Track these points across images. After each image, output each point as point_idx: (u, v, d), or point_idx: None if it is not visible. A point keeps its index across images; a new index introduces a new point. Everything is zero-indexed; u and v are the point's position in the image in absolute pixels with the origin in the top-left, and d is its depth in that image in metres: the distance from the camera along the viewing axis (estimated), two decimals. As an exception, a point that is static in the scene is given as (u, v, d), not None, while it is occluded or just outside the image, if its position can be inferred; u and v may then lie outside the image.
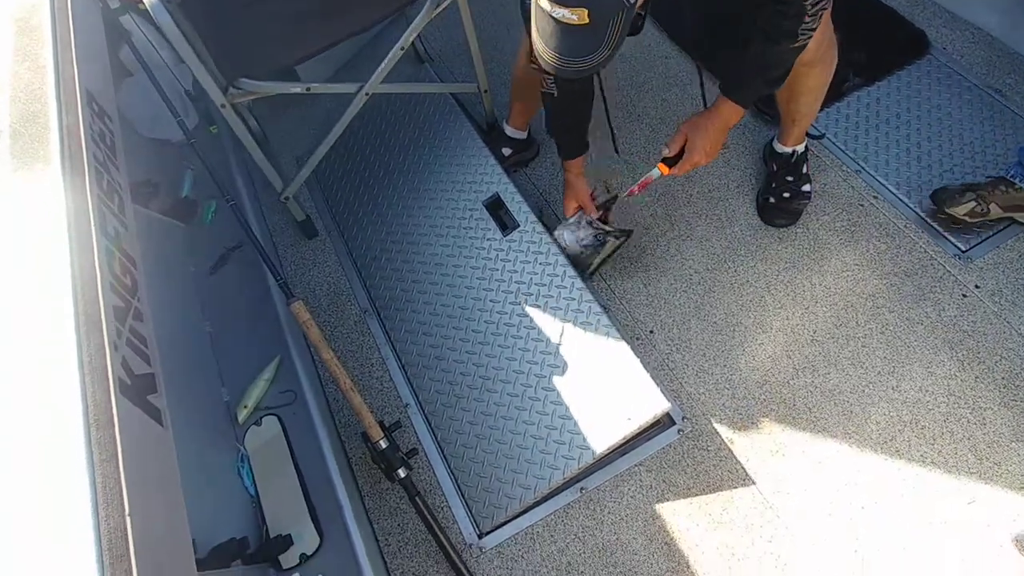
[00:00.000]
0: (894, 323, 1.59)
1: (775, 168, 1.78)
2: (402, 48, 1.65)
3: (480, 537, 1.49)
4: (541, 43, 1.03)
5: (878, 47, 2.02)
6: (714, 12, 1.52)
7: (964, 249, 1.64)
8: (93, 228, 0.86)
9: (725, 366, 1.61)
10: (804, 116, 1.63)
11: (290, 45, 1.63)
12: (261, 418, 1.54)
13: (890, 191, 1.77)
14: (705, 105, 1.48)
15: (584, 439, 1.49)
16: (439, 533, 1.41)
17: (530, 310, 1.68)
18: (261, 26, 1.65)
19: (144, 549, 0.64)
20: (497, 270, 1.76)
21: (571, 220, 1.73)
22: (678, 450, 1.52)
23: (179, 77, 1.99)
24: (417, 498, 1.41)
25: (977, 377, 1.49)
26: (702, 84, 1.59)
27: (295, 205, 1.91)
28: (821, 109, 1.91)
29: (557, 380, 1.57)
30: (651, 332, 1.69)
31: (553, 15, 0.95)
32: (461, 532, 1.50)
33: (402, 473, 1.41)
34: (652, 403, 1.48)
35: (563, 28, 0.97)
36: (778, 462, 1.47)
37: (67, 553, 0.61)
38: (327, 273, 1.94)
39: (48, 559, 0.61)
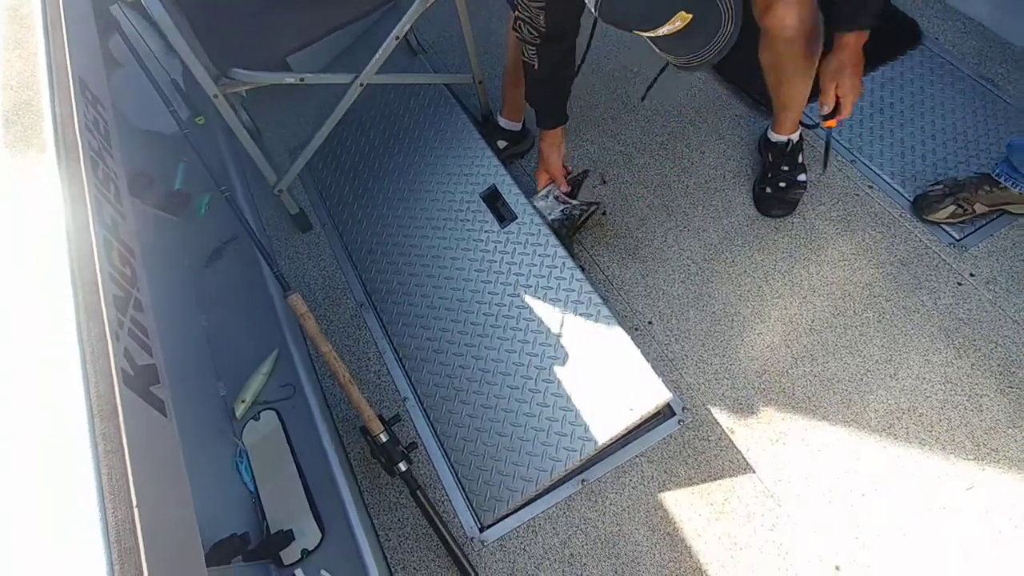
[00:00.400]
0: (891, 312, 1.60)
1: (771, 158, 1.79)
2: (397, 38, 1.63)
3: (482, 530, 1.48)
4: (668, 56, 1.02)
5: (871, 38, 2.02)
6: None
7: (958, 238, 1.66)
8: (90, 217, 0.84)
9: (724, 356, 1.61)
10: (794, 100, 1.63)
11: (283, 35, 1.61)
12: (259, 412, 1.52)
13: (884, 181, 1.78)
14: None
15: (585, 430, 1.49)
16: (440, 527, 1.40)
17: (529, 302, 1.67)
18: (253, 16, 1.62)
19: (153, 542, 0.63)
20: (495, 262, 1.75)
21: (540, 193, 1.77)
22: (679, 440, 1.52)
23: (168, 68, 1.95)
24: (418, 492, 1.40)
25: (973, 364, 1.50)
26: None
27: (289, 198, 1.89)
28: (814, 99, 1.92)
29: (557, 372, 1.57)
30: (650, 323, 1.69)
31: (659, 34, 0.94)
32: (462, 526, 1.49)
33: (403, 467, 1.40)
34: (653, 393, 1.48)
35: (675, 37, 0.95)
36: (778, 451, 1.47)
37: (75, 547, 0.60)
38: (322, 267, 1.92)
39: (55, 553, 0.60)
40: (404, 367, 1.70)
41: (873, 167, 1.80)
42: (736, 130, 1.95)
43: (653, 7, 0.92)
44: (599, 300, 1.61)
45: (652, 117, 2.02)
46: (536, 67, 1.51)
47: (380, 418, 1.40)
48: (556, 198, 1.74)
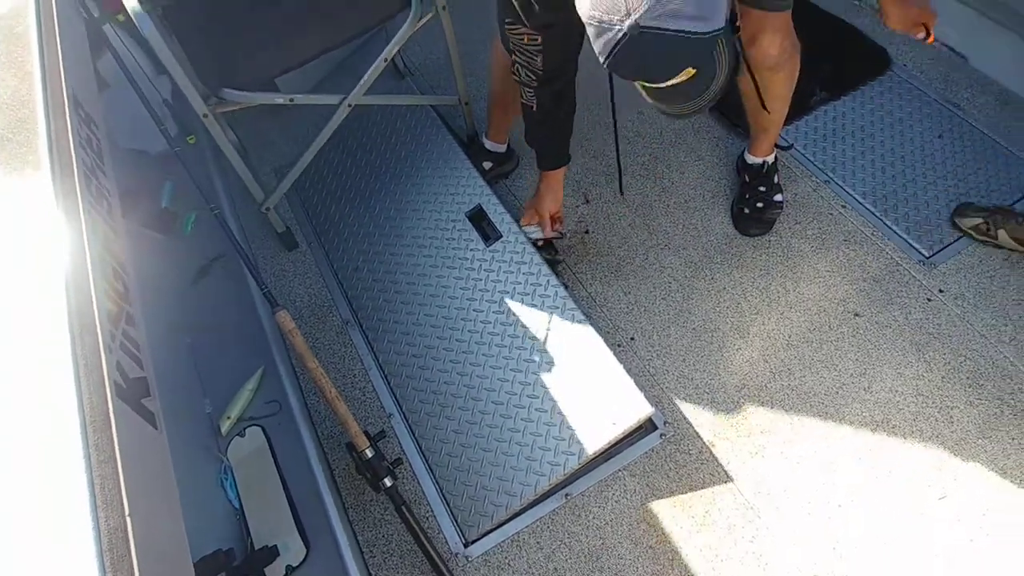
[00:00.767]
0: (864, 327, 1.65)
1: (747, 179, 1.84)
2: (384, 60, 1.67)
3: (466, 546, 1.49)
4: (660, 105, 1.02)
5: (843, 64, 2.11)
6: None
7: (928, 255, 1.72)
8: (85, 233, 0.86)
9: (704, 371, 1.65)
10: (773, 125, 1.69)
11: (273, 56, 1.64)
12: (245, 429, 1.53)
13: (857, 200, 1.84)
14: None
15: (569, 445, 1.51)
16: (425, 543, 1.40)
17: (513, 319, 1.70)
18: (243, 37, 1.66)
19: (145, 550, 0.64)
20: (480, 280, 1.78)
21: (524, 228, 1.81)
22: (661, 454, 1.55)
23: (158, 88, 1.98)
24: (403, 507, 1.40)
25: (943, 377, 1.55)
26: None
27: (275, 216, 1.91)
28: (790, 122, 2.00)
29: (541, 387, 1.59)
30: (632, 339, 1.72)
31: (662, 87, 0.93)
32: (447, 541, 1.50)
33: (388, 482, 1.40)
34: (635, 408, 1.51)
35: (670, 91, 0.95)
36: (758, 463, 1.50)
37: (68, 554, 0.61)
38: (307, 285, 1.93)
39: (49, 560, 0.61)
40: (389, 383, 1.71)
41: (846, 187, 1.87)
42: (714, 152, 2.01)
43: (664, 64, 0.92)
44: (582, 317, 1.65)
45: (633, 139, 2.07)
46: (535, 108, 1.52)
47: (366, 434, 1.41)
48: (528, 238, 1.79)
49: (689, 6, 0.86)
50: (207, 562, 1.21)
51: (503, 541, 1.49)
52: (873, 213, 1.81)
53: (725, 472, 1.50)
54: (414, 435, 1.63)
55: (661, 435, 1.57)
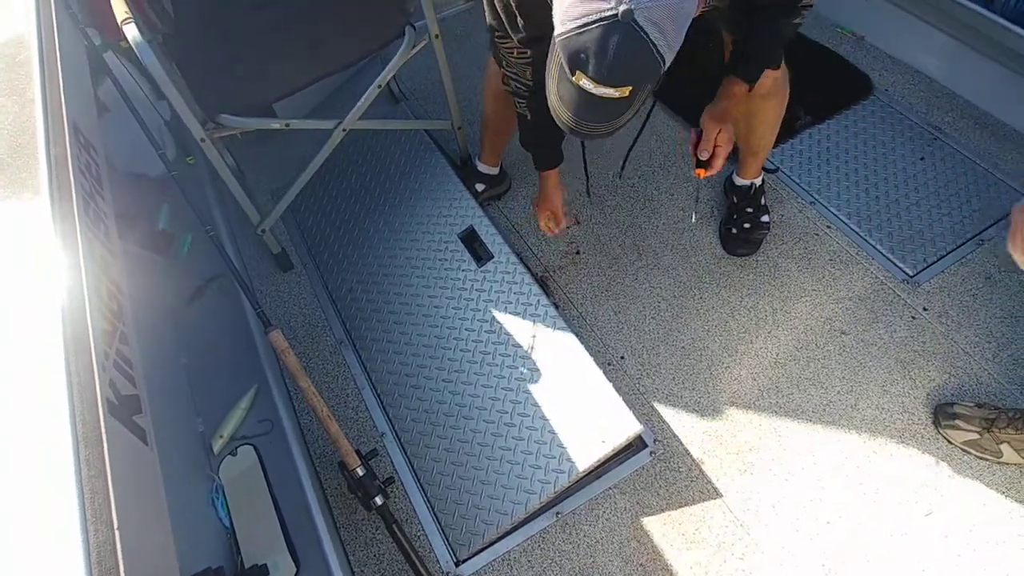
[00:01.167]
0: (850, 345, 1.67)
1: (735, 200, 1.88)
2: (379, 86, 1.71)
3: (457, 565, 1.49)
4: (565, 110, 0.99)
5: (827, 89, 2.16)
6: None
7: (912, 274, 1.75)
8: (81, 255, 0.88)
9: (694, 389, 1.66)
10: (762, 149, 1.73)
11: (270, 83, 1.68)
12: (237, 448, 1.54)
13: (842, 221, 1.87)
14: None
15: (559, 463, 1.52)
16: (416, 562, 1.41)
17: (505, 338, 1.72)
18: (241, 65, 1.70)
19: (132, 563, 0.66)
20: (472, 300, 1.80)
21: None
22: (650, 472, 1.56)
23: (159, 110, 2.02)
24: (394, 526, 1.41)
25: (929, 394, 1.57)
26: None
27: (271, 238, 1.94)
28: (776, 145, 2.04)
29: (532, 406, 1.61)
30: (622, 358, 1.74)
31: (594, 92, 0.91)
32: (438, 560, 1.50)
33: (379, 501, 1.41)
34: (625, 426, 1.53)
35: (598, 101, 0.93)
36: (747, 480, 1.51)
37: (57, 567, 0.62)
38: (302, 305, 1.96)
39: (38, 573, 0.62)
40: (382, 403, 1.73)
41: (831, 208, 1.90)
42: (702, 173, 2.05)
43: (623, 65, 0.88)
44: (573, 336, 1.67)
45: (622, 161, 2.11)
46: (529, 117, 1.53)
47: (357, 453, 1.42)
48: None
49: (669, 34, 0.89)
50: (197, 581, 1.21)
51: (494, 560, 1.49)
52: (857, 233, 1.84)
53: (715, 489, 1.51)
54: (406, 454, 1.64)
55: (651, 453, 1.58)
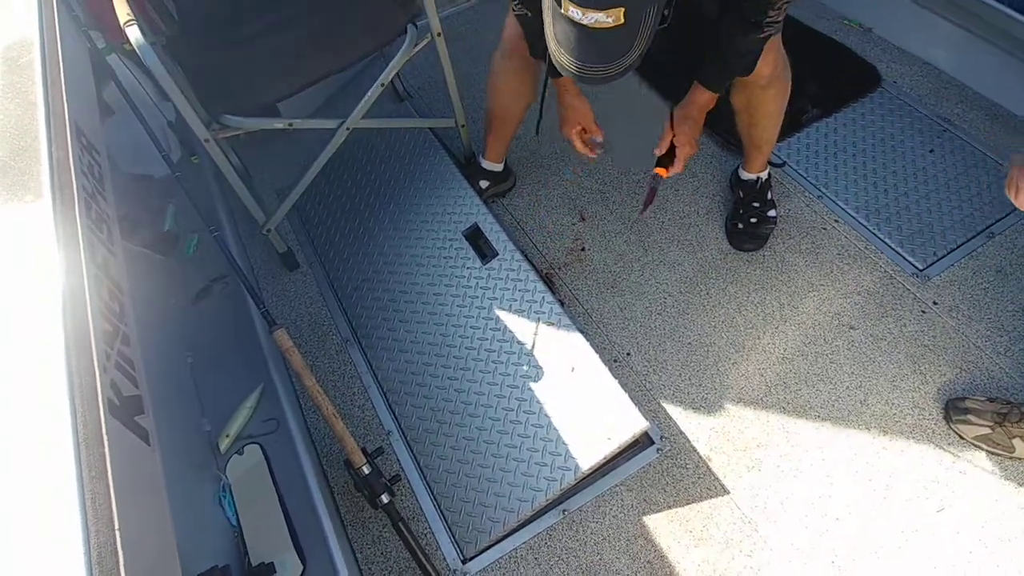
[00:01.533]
0: (859, 340, 1.65)
1: (741, 195, 1.86)
2: (382, 84, 1.71)
3: (464, 562, 1.49)
4: (563, 53, 0.94)
5: (834, 81, 2.14)
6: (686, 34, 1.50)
7: (921, 268, 1.73)
8: (83, 257, 0.89)
9: (700, 385, 1.65)
10: (766, 142, 1.72)
11: (272, 83, 1.68)
12: (243, 447, 1.54)
13: (850, 215, 1.85)
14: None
15: (565, 460, 1.52)
16: (423, 560, 1.41)
17: (510, 336, 1.71)
18: (244, 64, 1.70)
19: (133, 564, 0.66)
20: (477, 298, 1.80)
21: None
22: (657, 469, 1.55)
23: (163, 112, 2.03)
24: (400, 524, 1.41)
25: (939, 389, 1.55)
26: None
27: (277, 237, 1.94)
28: (783, 139, 2.03)
29: (537, 403, 1.60)
30: (628, 354, 1.73)
31: (583, 22, 0.85)
32: (445, 558, 1.50)
33: (385, 499, 1.41)
34: (631, 423, 1.52)
35: (593, 33, 0.87)
36: (754, 477, 1.50)
37: (58, 569, 0.63)
38: (308, 304, 1.96)
39: (39, 574, 0.62)
40: (388, 401, 1.73)
41: (839, 202, 1.88)
42: (708, 168, 2.04)
43: None
44: (578, 333, 1.66)
45: (628, 156, 2.10)
46: (529, 15, 1.44)
47: (363, 451, 1.42)
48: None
49: None
50: (204, 579, 1.22)
51: (501, 557, 1.49)
52: (866, 227, 1.82)
53: (722, 486, 1.50)
54: (412, 452, 1.64)
55: (658, 450, 1.57)
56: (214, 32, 1.74)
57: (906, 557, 1.36)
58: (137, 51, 1.39)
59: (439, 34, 1.72)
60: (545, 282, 1.79)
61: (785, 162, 1.98)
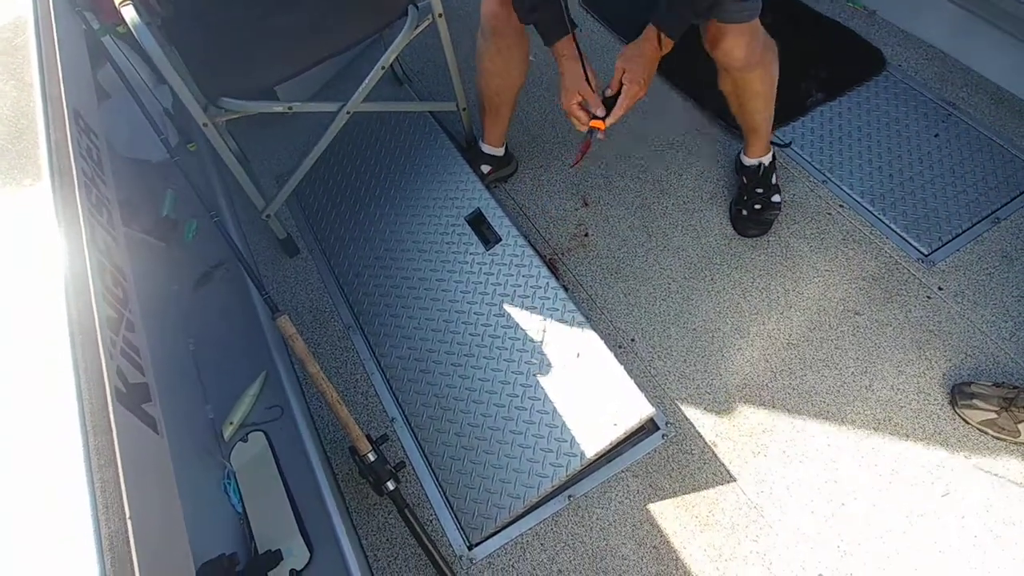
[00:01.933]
0: (864, 325, 1.65)
1: (745, 181, 1.85)
2: (383, 67, 1.68)
3: (470, 548, 1.49)
4: None
5: (838, 65, 2.12)
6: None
7: (926, 253, 1.72)
8: (84, 241, 0.87)
9: (705, 371, 1.65)
10: (760, 124, 1.70)
11: (272, 65, 1.65)
12: (247, 434, 1.53)
13: (855, 200, 1.84)
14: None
15: (571, 446, 1.51)
16: (429, 546, 1.40)
17: (514, 322, 1.70)
18: (242, 47, 1.67)
19: (145, 551, 0.65)
20: (480, 283, 1.78)
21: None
22: (663, 454, 1.55)
23: (159, 97, 1.99)
24: (406, 510, 1.41)
25: (944, 374, 1.55)
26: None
27: (276, 223, 1.92)
28: (787, 123, 2.01)
29: (543, 389, 1.59)
30: (632, 340, 1.72)
31: None
32: (451, 544, 1.50)
33: (391, 486, 1.40)
34: (636, 408, 1.51)
35: None
36: (760, 462, 1.50)
37: (70, 557, 0.62)
38: (309, 290, 1.94)
39: (51, 564, 0.61)
40: (391, 387, 1.72)
41: (843, 187, 1.87)
42: (712, 153, 2.02)
43: None
44: (582, 319, 1.65)
45: (631, 141, 2.08)
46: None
47: (368, 438, 1.42)
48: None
49: None
50: (211, 566, 1.21)
51: (507, 543, 1.49)
52: (871, 212, 1.81)
53: (728, 472, 1.50)
54: (417, 438, 1.63)
55: (663, 436, 1.57)
56: (211, 13, 1.70)
57: (911, 541, 1.37)
58: (133, 32, 1.37)
59: (440, 15, 1.68)
60: (549, 268, 1.78)
61: (790, 142, 1.97)
